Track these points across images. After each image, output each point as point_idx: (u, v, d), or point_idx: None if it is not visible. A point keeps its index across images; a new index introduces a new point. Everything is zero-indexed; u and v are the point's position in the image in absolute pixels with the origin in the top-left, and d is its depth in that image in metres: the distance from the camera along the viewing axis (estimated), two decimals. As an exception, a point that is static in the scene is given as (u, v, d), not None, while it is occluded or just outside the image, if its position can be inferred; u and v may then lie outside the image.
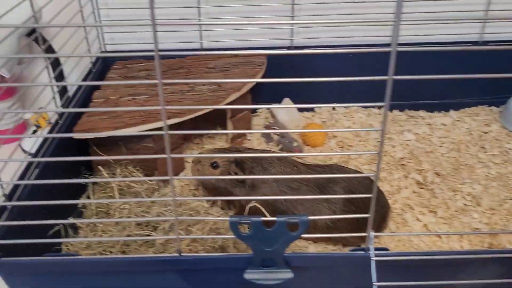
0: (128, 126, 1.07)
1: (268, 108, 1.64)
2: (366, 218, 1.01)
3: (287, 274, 0.74)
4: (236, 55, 1.51)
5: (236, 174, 1.07)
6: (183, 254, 0.73)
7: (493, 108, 1.65)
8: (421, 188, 1.26)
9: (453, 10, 1.57)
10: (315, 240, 1.06)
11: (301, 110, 1.66)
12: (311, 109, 1.67)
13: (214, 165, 1.10)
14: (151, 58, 1.48)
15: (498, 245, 1.05)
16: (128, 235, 0.88)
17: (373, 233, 0.74)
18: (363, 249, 0.76)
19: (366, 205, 1.02)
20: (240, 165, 1.07)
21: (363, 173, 1.14)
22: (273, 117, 1.59)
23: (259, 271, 0.74)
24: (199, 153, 1.19)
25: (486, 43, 1.63)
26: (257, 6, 1.55)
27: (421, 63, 1.58)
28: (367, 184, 1.06)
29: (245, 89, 1.31)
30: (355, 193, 1.02)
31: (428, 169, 1.31)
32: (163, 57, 1.49)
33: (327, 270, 0.79)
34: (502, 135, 1.47)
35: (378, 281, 0.74)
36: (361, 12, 1.58)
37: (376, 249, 0.75)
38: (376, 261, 0.75)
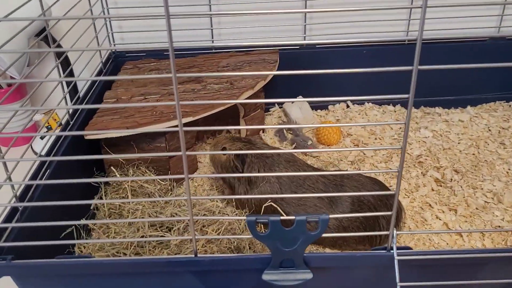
0: (140, 126, 1.05)
1: (281, 107, 1.62)
2: (375, 225, 0.99)
3: (307, 275, 0.72)
4: (248, 53, 1.49)
5: (235, 165, 1.05)
6: (199, 255, 0.71)
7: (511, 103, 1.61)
8: (440, 185, 1.22)
9: (471, 3, 1.54)
10: (324, 246, 1.03)
11: (314, 108, 1.63)
12: (325, 107, 1.65)
13: (223, 149, 1.09)
14: (162, 57, 1.49)
15: (522, 243, 1.02)
16: (142, 236, 0.86)
17: (395, 232, 0.71)
18: (385, 248, 0.73)
19: (375, 216, 0.99)
20: (242, 157, 1.05)
21: (378, 180, 1.09)
22: (286, 116, 1.56)
23: (278, 271, 0.72)
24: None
25: (503, 38, 1.59)
26: (269, 3, 1.53)
27: (438, 58, 1.55)
28: (378, 195, 1.03)
29: (258, 87, 1.29)
30: (363, 207, 0.99)
31: (447, 166, 1.27)
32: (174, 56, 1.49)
33: (347, 271, 0.77)
34: (522, 131, 1.43)
35: (401, 281, 0.71)
36: (375, 6, 1.56)
37: (398, 248, 0.73)
38: (399, 261, 0.72)
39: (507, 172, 1.25)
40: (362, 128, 1.49)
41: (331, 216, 0.69)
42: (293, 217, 0.69)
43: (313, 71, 0.62)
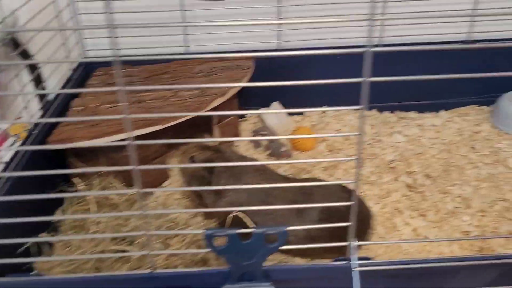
0: (106, 135, 1.04)
1: (253, 113, 1.61)
2: (345, 234, 0.98)
3: (267, 288, 0.71)
4: (222, 59, 1.48)
5: (203, 175, 1.03)
6: (157, 270, 0.70)
7: (484, 107, 1.63)
8: (411, 191, 1.23)
9: (440, 10, 1.55)
10: (293, 255, 1.02)
11: (290, 114, 1.63)
12: (301, 113, 1.65)
13: (192, 160, 1.07)
14: (135, 63, 1.48)
15: (488, 248, 1.02)
16: (102, 251, 0.85)
17: (355, 242, 0.71)
18: (345, 259, 0.73)
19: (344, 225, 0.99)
20: (209, 167, 1.03)
21: (348, 189, 1.08)
22: (262, 121, 1.56)
23: (237, 285, 0.71)
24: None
25: (474, 42, 1.61)
26: (243, 9, 1.52)
27: (411, 64, 1.56)
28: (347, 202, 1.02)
29: (230, 94, 1.28)
30: (333, 216, 0.98)
31: (418, 171, 1.28)
32: (147, 63, 1.48)
33: (309, 283, 0.76)
34: (492, 135, 1.45)
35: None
36: (345, 13, 1.56)
37: (359, 258, 0.72)
38: (360, 271, 0.72)
39: (477, 177, 1.26)
40: (338, 133, 1.49)
41: (288, 228, 0.68)
42: (251, 230, 0.68)
43: (268, 83, 0.62)
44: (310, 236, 0.98)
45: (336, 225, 0.68)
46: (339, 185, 1.08)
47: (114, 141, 1.04)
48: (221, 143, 1.39)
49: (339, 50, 0.62)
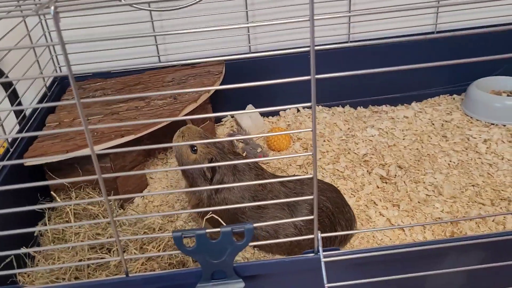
0: (80, 148, 1.06)
1: (232, 116, 1.64)
2: (332, 229, 1.01)
3: (239, 284, 0.73)
4: (194, 66, 1.51)
5: (204, 172, 1.05)
6: (131, 275, 0.72)
7: (455, 96, 1.67)
8: (385, 182, 1.26)
9: (405, 3, 1.59)
10: (282, 253, 1.05)
11: (266, 115, 1.66)
12: (276, 113, 1.68)
13: (194, 149, 1.05)
14: (108, 76, 1.50)
15: (459, 233, 1.06)
16: (80, 260, 0.87)
17: (320, 235, 0.74)
18: (313, 251, 0.75)
19: (333, 222, 1.02)
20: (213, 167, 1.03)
21: (335, 187, 1.11)
22: (238, 124, 1.59)
23: (210, 284, 0.73)
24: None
25: (440, 32, 1.65)
26: (212, 16, 1.55)
27: (382, 57, 1.60)
28: (336, 201, 1.05)
29: (202, 100, 1.31)
30: (323, 210, 1.01)
31: (391, 163, 1.31)
32: (119, 74, 1.50)
33: (281, 276, 0.79)
34: (463, 122, 1.49)
35: (334, 281, 0.74)
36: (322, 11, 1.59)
37: (326, 250, 0.75)
38: (328, 262, 0.75)
39: (448, 164, 1.30)
40: (312, 132, 1.52)
41: (255, 225, 0.71)
42: (218, 229, 0.70)
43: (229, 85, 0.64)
44: (301, 234, 1.00)
45: (299, 219, 0.70)
46: (327, 184, 1.11)
47: (109, 147, 1.06)
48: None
49: (284, 50, 0.64)
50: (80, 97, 1.35)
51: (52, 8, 0.52)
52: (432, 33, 1.65)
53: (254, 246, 1.03)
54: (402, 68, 0.72)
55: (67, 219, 1.01)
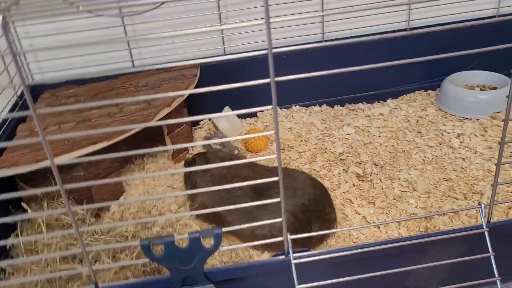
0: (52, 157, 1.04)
1: (209, 119, 1.64)
2: (307, 229, 1.01)
3: (210, 290, 0.73)
4: (168, 70, 1.50)
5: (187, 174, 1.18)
6: (102, 284, 0.71)
7: (430, 92, 1.69)
8: (361, 180, 1.27)
9: (378, 1, 1.61)
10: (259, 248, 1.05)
11: (243, 116, 1.66)
12: (254, 115, 1.68)
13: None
14: (82, 83, 1.48)
15: (433, 228, 1.07)
16: (52, 271, 0.86)
17: (289, 236, 0.74)
18: (283, 253, 0.75)
19: (308, 219, 1.02)
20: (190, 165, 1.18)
21: (317, 182, 1.14)
22: (215, 127, 1.58)
23: (181, 290, 0.73)
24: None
25: (413, 29, 1.66)
26: (185, 19, 1.54)
27: (356, 55, 1.61)
28: (316, 200, 1.06)
29: (175, 104, 1.30)
30: (299, 208, 1.02)
31: (367, 161, 1.32)
32: (92, 80, 1.49)
33: (252, 279, 0.79)
34: (438, 118, 1.50)
35: (306, 281, 0.74)
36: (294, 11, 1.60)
37: (296, 251, 0.75)
38: (299, 263, 0.75)
39: (423, 160, 1.31)
40: (289, 132, 1.53)
41: (224, 229, 0.71)
42: (186, 236, 0.70)
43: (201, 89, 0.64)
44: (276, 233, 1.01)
45: (267, 222, 0.70)
46: (308, 178, 1.12)
47: (80, 155, 1.06)
48: (174, 156, 1.41)
49: (243, 54, 0.64)
50: (52, 105, 1.34)
51: (0, 17, 0.51)
52: (405, 29, 1.67)
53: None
54: (369, 67, 0.73)
55: (40, 230, 1.00)
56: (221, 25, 1.58)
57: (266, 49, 0.61)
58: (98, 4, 0.76)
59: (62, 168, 1.09)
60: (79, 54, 1.49)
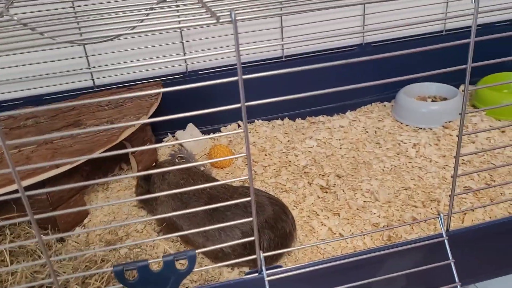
0: (13, 183, 1.02)
1: (173, 135, 1.64)
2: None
3: (185, 311, 0.74)
4: (130, 88, 1.50)
5: (142, 187, 1.20)
6: (73, 312, 0.70)
7: (386, 103, 1.76)
8: (325, 192, 1.30)
9: (335, 18, 1.67)
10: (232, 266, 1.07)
11: (207, 132, 1.67)
12: (217, 130, 1.69)
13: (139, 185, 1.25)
14: (40, 103, 1.45)
15: (396, 236, 1.11)
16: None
17: (262, 254, 0.76)
18: (257, 271, 0.77)
19: (266, 233, 1.05)
20: (146, 177, 1.20)
21: (279, 201, 1.15)
22: (179, 143, 1.58)
23: (156, 314, 0.73)
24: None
25: (369, 44, 1.74)
26: (148, 36, 1.54)
27: (316, 70, 1.66)
28: (271, 217, 1.07)
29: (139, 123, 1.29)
30: (266, 226, 1.04)
31: (330, 173, 1.36)
32: (51, 100, 1.46)
33: (227, 298, 0.80)
34: (394, 128, 1.57)
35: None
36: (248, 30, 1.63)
37: (269, 268, 0.77)
38: (273, 280, 0.77)
39: (383, 170, 1.36)
40: (253, 146, 1.55)
41: (198, 250, 0.72)
42: (160, 259, 0.70)
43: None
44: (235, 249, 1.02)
45: (241, 241, 0.72)
46: (270, 197, 1.13)
47: (43, 179, 1.04)
48: (143, 168, 1.40)
49: (216, 81, 0.66)
50: (10, 127, 1.30)
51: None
52: (361, 45, 1.74)
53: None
54: (332, 90, 0.76)
55: (2, 258, 0.96)
56: (183, 54, 1.59)
57: (237, 77, 0.63)
58: (58, 30, 0.76)
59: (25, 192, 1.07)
60: (38, 74, 1.46)
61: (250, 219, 0.72)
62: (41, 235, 0.64)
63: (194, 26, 0.64)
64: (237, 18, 0.56)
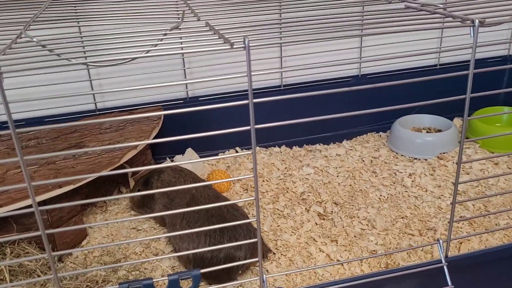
0: (16, 202, 1.02)
1: (172, 160, 1.65)
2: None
3: (187, 332, 0.74)
4: (132, 112, 1.52)
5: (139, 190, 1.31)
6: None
7: (381, 133, 1.80)
8: (323, 219, 1.32)
9: (334, 49, 1.72)
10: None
11: (205, 157, 1.69)
12: (215, 155, 1.71)
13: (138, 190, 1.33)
14: (42, 124, 1.46)
15: (393, 263, 1.12)
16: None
17: (265, 276, 0.76)
18: (259, 293, 0.78)
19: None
20: (145, 185, 1.30)
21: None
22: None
23: (158, 334, 0.73)
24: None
25: (365, 76, 1.79)
26: (150, 62, 1.58)
27: (310, 98, 1.70)
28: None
29: (141, 146, 1.31)
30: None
31: (327, 200, 1.38)
32: (54, 122, 1.47)
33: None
34: (390, 158, 1.60)
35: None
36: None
37: (271, 291, 0.78)
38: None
39: (379, 198, 1.39)
40: (251, 173, 1.56)
41: (201, 270, 0.72)
42: (166, 278, 0.71)
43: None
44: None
45: (240, 263, 0.73)
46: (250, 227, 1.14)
47: (45, 198, 1.05)
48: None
49: (225, 104, 0.69)
50: (12, 147, 1.31)
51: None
52: (357, 76, 1.79)
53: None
54: (333, 116, 0.79)
55: (2, 277, 0.96)
56: (185, 80, 1.63)
57: (247, 100, 0.65)
58: (76, 52, 0.78)
59: (25, 213, 1.07)
60: (41, 97, 1.48)
61: (254, 240, 0.73)
62: (50, 250, 0.65)
63: (208, 52, 0.67)
64: (250, 44, 0.60)
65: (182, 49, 0.67)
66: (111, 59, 0.68)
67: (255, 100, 0.65)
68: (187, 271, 0.72)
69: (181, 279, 0.72)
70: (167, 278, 0.71)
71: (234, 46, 0.61)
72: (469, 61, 0.73)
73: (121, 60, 0.66)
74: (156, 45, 0.72)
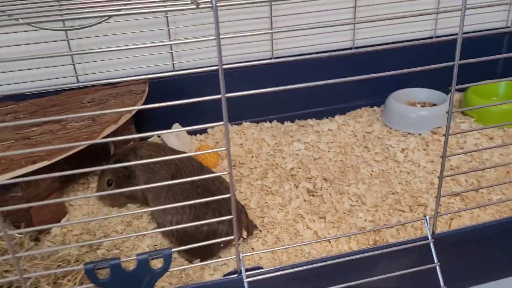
0: (-12, 178, 0.98)
1: (158, 136, 1.60)
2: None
3: (159, 313, 0.70)
4: (115, 86, 1.46)
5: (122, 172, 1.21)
6: (40, 312, 0.67)
7: (376, 108, 1.75)
8: (312, 195, 1.28)
9: (326, 20, 1.65)
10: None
11: (193, 133, 1.64)
12: (204, 131, 1.66)
13: (109, 183, 1.22)
14: (20, 98, 1.41)
15: (382, 240, 1.09)
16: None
17: (242, 254, 0.72)
18: (236, 272, 0.74)
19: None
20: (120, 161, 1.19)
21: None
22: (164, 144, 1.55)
23: (128, 315, 0.69)
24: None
25: (358, 48, 1.72)
26: (132, 34, 1.52)
27: (305, 72, 1.64)
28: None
29: (122, 121, 1.26)
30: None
31: (317, 176, 1.34)
32: (33, 96, 1.42)
33: (204, 300, 0.76)
34: (383, 133, 1.55)
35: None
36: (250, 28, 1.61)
37: (249, 269, 0.74)
38: (252, 281, 0.74)
39: (371, 174, 1.34)
40: (240, 148, 1.52)
41: (173, 249, 0.68)
42: (135, 257, 0.67)
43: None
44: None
45: (219, 240, 0.68)
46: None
47: (19, 175, 1.02)
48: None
49: (193, 70, 0.63)
50: (-13, 122, 1.25)
51: None
52: (351, 48, 1.73)
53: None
54: (322, 83, 0.74)
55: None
56: (170, 41, 1.56)
57: (217, 65, 0.60)
58: (39, 17, 0.73)
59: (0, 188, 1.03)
60: (19, 69, 1.42)
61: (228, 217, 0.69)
62: (7, 229, 0.61)
63: (176, 11, 0.61)
64: (218, 4, 0.54)
65: (150, 8, 0.61)
66: (85, 17, 0.62)
67: (225, 66, 0.60)
68: (158, 250, 0.68)
69: (152, 259, 0.68)
70: (135, 257, 0.67)
71: (200, 6, 0.55)
72: (466, 33, 0.68)
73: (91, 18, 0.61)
74: (125, 4, 0.66)
